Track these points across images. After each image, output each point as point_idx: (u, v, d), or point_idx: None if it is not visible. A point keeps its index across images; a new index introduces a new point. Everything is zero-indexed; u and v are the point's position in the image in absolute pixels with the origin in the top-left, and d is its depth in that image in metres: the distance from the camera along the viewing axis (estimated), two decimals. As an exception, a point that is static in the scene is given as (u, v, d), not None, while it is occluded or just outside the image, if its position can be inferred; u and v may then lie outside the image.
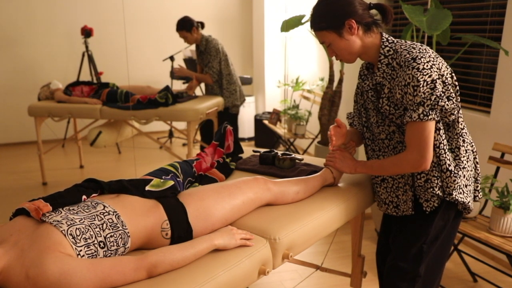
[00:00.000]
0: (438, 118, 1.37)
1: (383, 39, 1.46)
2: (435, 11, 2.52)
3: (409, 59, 1.35)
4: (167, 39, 5.75)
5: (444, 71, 1.37)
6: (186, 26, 3.60)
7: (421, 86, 1.32)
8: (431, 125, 1.37)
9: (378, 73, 1.47)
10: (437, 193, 1.46)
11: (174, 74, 4.99)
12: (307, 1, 4.67)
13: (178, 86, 5.83)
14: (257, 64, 5.95)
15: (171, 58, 5.01)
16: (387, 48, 1.44)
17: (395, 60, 1.41)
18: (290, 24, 3.41)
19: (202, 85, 5.74)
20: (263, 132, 5.08)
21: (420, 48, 1.38)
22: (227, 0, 5.88)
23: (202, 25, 3.71)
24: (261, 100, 5.89)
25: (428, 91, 1.33)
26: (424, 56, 1.34)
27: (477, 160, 1.57)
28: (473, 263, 2.65)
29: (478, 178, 1.58)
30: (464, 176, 1.48)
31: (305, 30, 4.75)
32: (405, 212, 1.55)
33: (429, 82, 1.32)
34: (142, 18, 5.60)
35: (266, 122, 4.71)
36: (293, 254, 1.42)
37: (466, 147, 1.50)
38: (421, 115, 1.35)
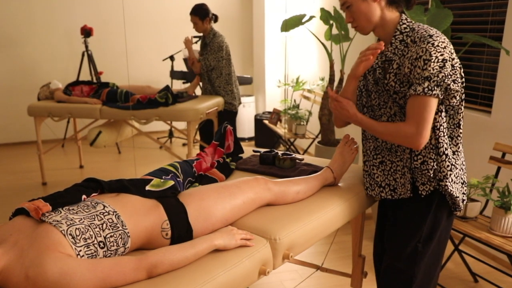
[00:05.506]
0: (442, 97, 1.39)
1: (402, 17, 1.48)
2: (435, 10, 2.52)
3: (426, 35, 1.37)
4: (167, 39, 5.74)
5: (454, 58, 1.39)
6: (200, 13, 3.57)
7: (432, 61, 1.34)
8: (433, 102, 1.37)
9: (390, 48, 1.48)
10: (431, 175, 1.47)
11: (174, 73, 4.99)
12: (307, 1, 4.66)
13: (178, 86, 5.83)
14: (257, 63, 5.94)
15: (171, 58, 5.01)
16: (404, 26, 1.46)
17: (410, 37, 1.43)
18: (290, 24, 3.40)
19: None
20: (263, 132, 5.08)
21: (437, 31, 1.40)
22: (227, 0, 5.87)
23: (215, 18, 3.69)
24: (261, 100, 5.89)
25: (437, 68, 1.35)
26: (440, 36, 1.37)
27: (465, 165, 1.57)
28: (474, 263, 2.65)
29: (465, 181, 1.57)
30: (453, 173, 1.48)
31: (305, 30, 4.75)
32: (402, 195, 1.55)
33: (440, 60, 1.34)
34: (142, 17, 5.59)
35: (266, 122, 4.71)
36: (293, 254, 1.41)
37: (459, 147, 1.50)
38: (426, 89, 1.36)
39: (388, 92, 1.50)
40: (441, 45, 1.35)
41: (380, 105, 1.54)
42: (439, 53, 1.34)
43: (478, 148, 2.74)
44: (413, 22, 1.47)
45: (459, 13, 2.95)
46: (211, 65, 3.65)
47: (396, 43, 1.46)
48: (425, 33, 1.38)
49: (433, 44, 1.34)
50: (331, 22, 3.34)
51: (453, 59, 1.38)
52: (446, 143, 1.46)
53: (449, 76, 1.37)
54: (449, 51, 1.37)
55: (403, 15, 1.48)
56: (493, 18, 2.69)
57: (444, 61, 1.35)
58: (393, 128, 1.43)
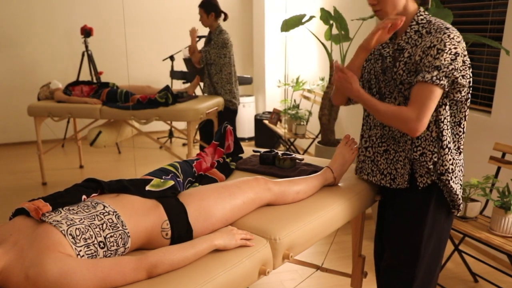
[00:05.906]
0: (447, 89, 1.40)
1: (420, 9, 1.50)
2: (435, 10, 2.52)
3: (442, 27, 1.40)
4: (167, 39, 5.74)
5: (466, 55, 1.41)
6: (206, 7, 3.55)
7: (445, 51, 1.36)
8: (438, 92, 1.38)
9: (404, 37, 1.49)
10: (430, 167, 1.47)
11: (174, 73, 4.99)
12: (307, 1, 4.66)
13: (178, 86, 5.83)
14: (257, 63, 5.94)
15: (171, 58, 5.01)
16: (422, 17, 1.48)
17: (425, 29, 1.45)
18: (290, 24, 3.40)
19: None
20: (263, 132, 5.08)
21: (453, 27, 1.42)
22: (227, 0, 5.87)
23: (225, 16, 3.66)
24: (261, 100, 5.89)
25: (448, 60, 1.36)
26: (456, 31, 1.39)
27: (463, 167, 1.57)
28: (474, 263, 2.65)
29: (462, 184, 1.57)
30: (455, 170, 1.48)
31: (305, 30, 4.75)
32: (399, 185, 1.55)
33: (453, 52, 1.36)
34: (142, 17, 5.59)
35: (266, 122, 4.71)
36: (293, 254, 1.41)
37: (456, 144, 1.50)
38: (434, 78, 1.37)
39: (394, 81, 1.50)
40: (457, 39, 1.37)
41: (385, 95, 1.54)
42: (453, 46, 1.36)
43: (478, 148, 2.74)
44: (430, 15, 1.49)
45: (459, 13, 2.95)
46: (211, 58, 3.62)
47: (410, 33, 1.47)
48: (442, 25, 1.41)
49: (449, 35, 1.36)
50: (331, 22, 3.34)
51: (465, 55, 1.40)
52: (449, 137, 1.47)
53: (459, 71, 1.38)
54: (462, 47, 1.39)
55: (421, 8, 1.50)
56: (493, 18, 2.69)
57: (457, 54, 1.36)
58: (394, 110, 1.42)
